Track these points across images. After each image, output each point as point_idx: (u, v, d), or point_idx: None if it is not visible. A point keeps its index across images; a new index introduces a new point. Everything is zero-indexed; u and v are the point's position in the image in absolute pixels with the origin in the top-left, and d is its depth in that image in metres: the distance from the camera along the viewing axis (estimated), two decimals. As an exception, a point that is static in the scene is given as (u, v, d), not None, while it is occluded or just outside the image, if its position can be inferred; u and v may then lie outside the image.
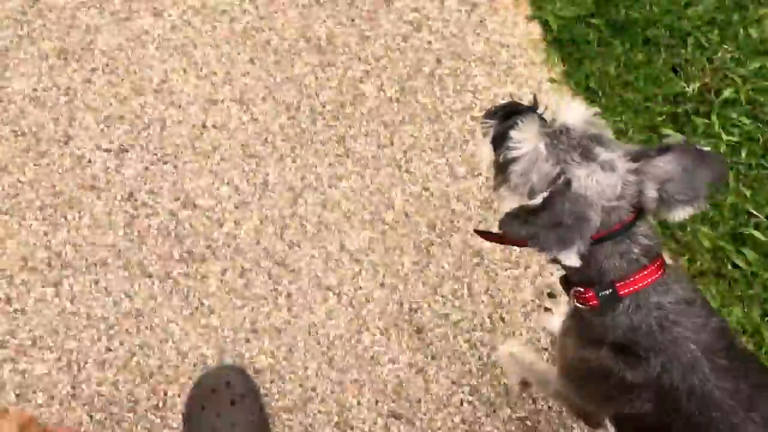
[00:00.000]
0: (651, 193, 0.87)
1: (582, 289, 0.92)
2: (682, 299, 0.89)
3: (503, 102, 1.02)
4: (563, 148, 0.87)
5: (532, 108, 0.98)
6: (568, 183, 0.86)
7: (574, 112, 0.90)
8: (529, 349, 1.30)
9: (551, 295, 1.38)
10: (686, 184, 0.87)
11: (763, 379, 0.91)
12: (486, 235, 1.04)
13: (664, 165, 0.87)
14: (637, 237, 0.89)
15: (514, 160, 0.89)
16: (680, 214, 0.88)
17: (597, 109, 0.89)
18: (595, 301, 0.91)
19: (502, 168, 0.92)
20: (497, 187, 0.95)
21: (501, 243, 1.06)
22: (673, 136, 0.90)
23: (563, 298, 1.36)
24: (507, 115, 0.94)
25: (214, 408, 1.25)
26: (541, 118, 0.93)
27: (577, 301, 0.94)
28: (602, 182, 0.86)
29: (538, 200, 0.85)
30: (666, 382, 0.89)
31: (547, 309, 1.38)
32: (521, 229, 0.85)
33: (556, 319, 1.33)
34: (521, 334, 1.38)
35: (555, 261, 0.94)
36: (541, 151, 0.88)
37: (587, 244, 0.85)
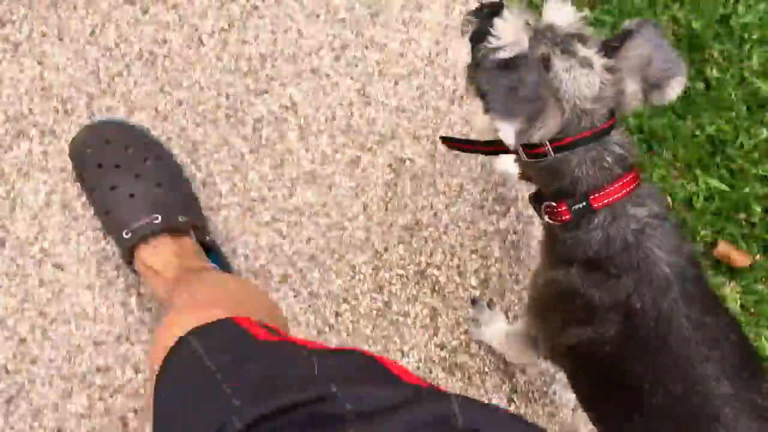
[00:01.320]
0: (632, 87, 0.85)
1: (554, 204, 0.88)
2: (657, 215, 0.87)
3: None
4: (546, 42, 0.84)
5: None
6: (546, 58, 0.82)
7: (561, 12, 0.88)
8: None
9: (474, 302, 1.31)
10: (664, 60, 0.84)
11: (726, 319, 0.89)
12: (451, 142, 0.98)
13: (638, 50, 0.84)
14: (611, 145, 0.86)
15: (492, 51, 0.84)
16: (672, 92, 0.86)
17: (585, 13, 0.89)
18: (568, 216, 0.87)
19: (477, 65, 0.87)
20: (469, 87, 0.90)
21: (467, 150, 0.99)
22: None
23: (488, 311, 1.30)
24: (492, 13, 0.89)
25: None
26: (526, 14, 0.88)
27: (549, 217, 0.90)
28: (580, 80, 0.82)
29: (508, 54, 0.80)
30: (635, 304, 0.85)
31: (473, 319, 1.30)
32: (484, 83, 0.80)
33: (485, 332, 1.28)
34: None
35: (527, 178, 0.92)
36: (522, 43, 0.84)
37: (533, 134, 0.80)
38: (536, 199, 0.93)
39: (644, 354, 0.85)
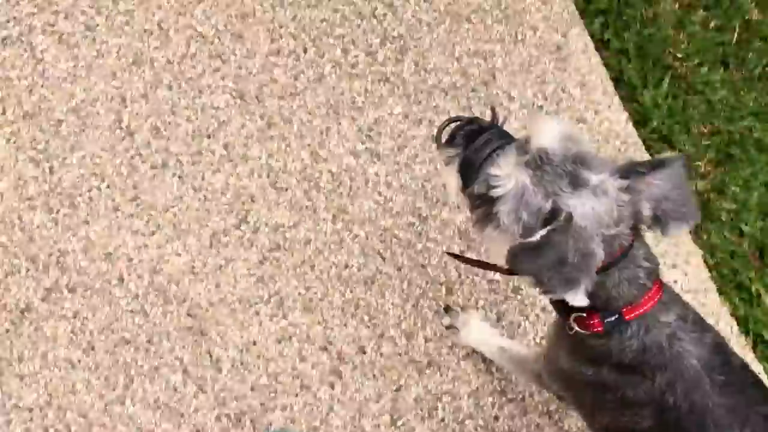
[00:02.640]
0: (646, 211, 0.85)
1: (584, 315, 0.90)
2: (680, 316, 0.91)
3: (458, 122, 0.91)
4: (549, 178, 0.82)
5: (493, 125, 0.90)
6: (569, 219, 0.81)
7: (548, 131, 0.84)
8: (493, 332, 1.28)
9: (447, 310, 1.32)
10: (680, 201, 0.86)
11: (756, 393, 0.95)
12: (461, 258, 0.96)
13: (659, 183, 0.84)
14: (640, 260, 0.88)
15: (498, 199, 0.83)
16: (675, 231, 0.87)
17: (568, 122, 0.84)
18: (600, 328, 0.89)
19: (481, 203, 0.85)
20: (481, 224, 0.87)
21: (479, 267, 0.98)
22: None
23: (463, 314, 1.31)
24: (469, 137, 0.86)
25: None
26: (517, 145, 0.86)
27: (578, 327, 0.91)
28: (598, 210, 0.82)
29: (535, 238, 0.80)
30: (669, 400, 0.90)
31: (449, 327, 1.31)
32: (523, 266, 0.80)
33: (464, 335, 1.30)
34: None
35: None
36: (527, 185, 0.82)
37: (593, 279, 0.81)
38: (562, 307, 0.92)
39: None
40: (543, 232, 0.79)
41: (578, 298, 0.80)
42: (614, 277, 0.86)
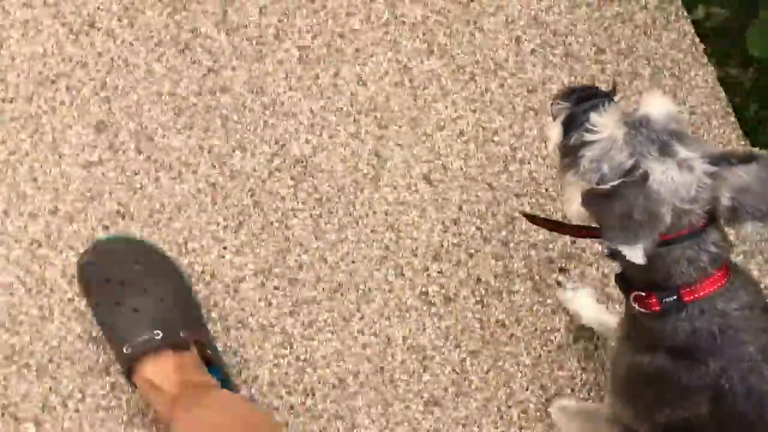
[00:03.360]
0: (725, 201, 0.85)
1: (644, 294, 0.91)
2: (746, 305, 0.89)
3: (580, 84, 0.99)
4: (641, 140, 0.84)
5: (609, 94, 0.94)
6: (645, 177, 0.82)
7: (658, 105, 0.86)
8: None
9: (563, 270, 1.37)
10: (761, 198, 0.84)
11: None
12: (534, 219, 1.00)
13: (745, 175, 0.84)
14: (707, 245, 0.87)
15: (587, 144, 0.86)
16: (749, 228, 0.86)
17: (681, 107, 0.86)
18: (657, 307, 0.90)
19: (571, 151, 0.89)
20: (564, 171, 0.91)
21: (552, 230, 1.03)
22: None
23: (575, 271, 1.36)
24: (583, 98, 0.90)
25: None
26: (624, 107, 0.90)
27: (637, 305, 0.92)
28: (677, 181, 0.83)
29: (608, 186, 0.83)
30: (724, 384, 0.89)
31: (559, 283, 1.37)
32: (594, 208, 0.84)
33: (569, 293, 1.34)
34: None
35: (613, 257, 0.93)
36: (617, 139, 0.85)
37: (654, 243, 0.82)
38: (623, 282, 0.94)
39: (741, 428, 0.90)
40: (616, 182, 0.82)
41: (635, 254, 0.81)
42: (676, 254, 0.86)
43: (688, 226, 0.85)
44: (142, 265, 1.13)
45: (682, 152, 0.84)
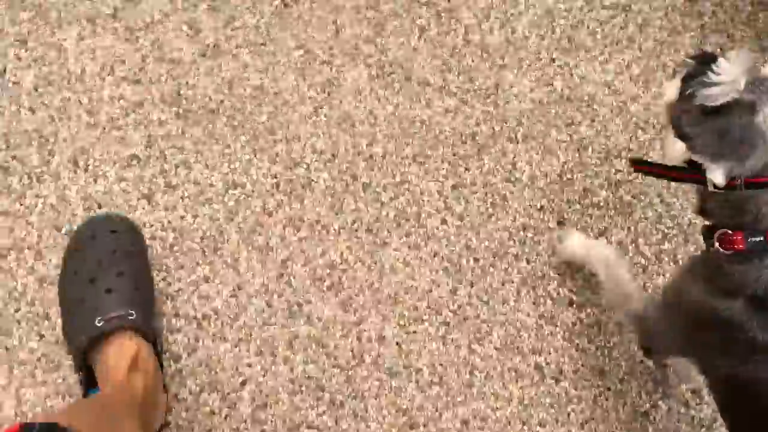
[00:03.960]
0: None
1: (730, 231, 0.85)
2: None
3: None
4: (762, 89, 0.81)
5: None
6: (753, 106, 0.80)
7: None
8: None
9: (561, 223, 1.26)
10: None
11: None
12: (644, 165, 0.98)
13: None
14: None
15: (706, 85, 0.83)
16: None
17: None
18: (741, 245, 0.84)
19: (686, 97, 0.85)
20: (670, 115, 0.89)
21: (659, 175, 0.99)
22: None
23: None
24: (707, 60, 0.87)
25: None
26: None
27: (720, 245, 0.86)
28: None
29: (720, 91, 0.81)
30: None
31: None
32: (687, 125, 0.83)
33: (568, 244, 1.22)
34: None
35: (704, 213, 0.90)
36: (739, 83, 0.81)
37: (739, 172, 0.81)
38: (709, 231, 0.90)
39: None
40: (724, 100, 0.81)
41: (717, 175, 0.81)
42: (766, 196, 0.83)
43: None
44: (121, 250, 1.08)
45: None
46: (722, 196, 0.85)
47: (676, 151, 0.88)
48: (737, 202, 0.84)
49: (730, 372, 0.88)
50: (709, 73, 0.82)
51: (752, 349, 0.85)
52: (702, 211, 0.91)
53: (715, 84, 0.82)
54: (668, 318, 0.99)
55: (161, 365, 1.08)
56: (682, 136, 0.85)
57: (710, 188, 0.85)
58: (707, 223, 0.91)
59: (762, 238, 0.83)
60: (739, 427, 0.93)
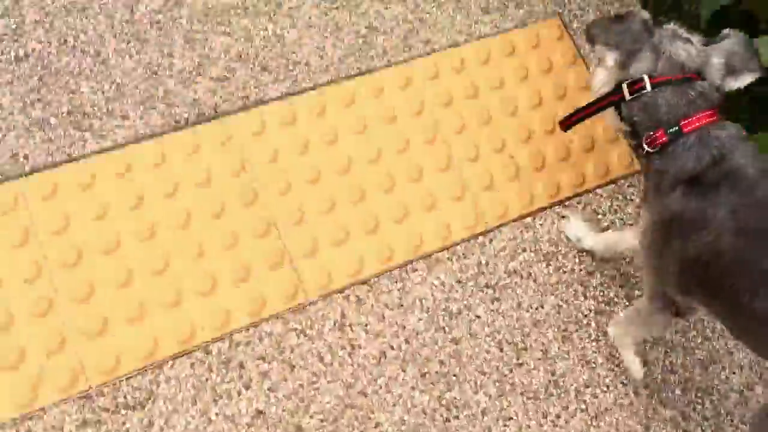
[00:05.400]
0: (717, 60, 1.10)
1: (652, 132, 1.10)
2: (735, 136, 1.09)
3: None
4: (665, 34, 1.12)
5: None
6: (645, 18, 1.10)
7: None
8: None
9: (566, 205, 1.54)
10: (746, 58, 1.10)
11: None
12: (569, 119, 1.20)
13: (728, 45, 1.11)
14: (695, 85, 1.09)
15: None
16: (743, 80, 1.11)
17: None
18: (664, 137, 1.09)
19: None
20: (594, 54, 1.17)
21: (581, 117, 1.20)
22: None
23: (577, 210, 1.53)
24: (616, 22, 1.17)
25: None
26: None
27: (648, 146, 1.11)
28: (677, 45, 1.10)
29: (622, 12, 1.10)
30: (735, 202, 1.03)
31: (563, 217, 1.54)
32: (596, 29, 1.12)
33: (572, 224, 1.51)
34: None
35: (617, 101, 1.13)
36: (645, 17, 1.12)
37: (630, 64, 1.09)
38: (637, 144, 1.14)
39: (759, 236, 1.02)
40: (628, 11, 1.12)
41: (608, 59, 1.11)
42: (671, 91, 1.09)
43: (680, 73, 1.08)
44: None
45: (685, 35, 1.11)
46: (638, 104, 1.09)
47: (598, 81, 1.12)
48: (651, 103, 1.08)
49: (684, 256, 1.09)
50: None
51: (703, 218, 1.05)
52: (633, 134, 1.13)
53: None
54: (650, 246, 1.19)
55: None
56: (590, 38, 1.11)
57: (627, 97, 1.10)
58: (634, 142, 1.14)
59: (677, 128, 1.08)
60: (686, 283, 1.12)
